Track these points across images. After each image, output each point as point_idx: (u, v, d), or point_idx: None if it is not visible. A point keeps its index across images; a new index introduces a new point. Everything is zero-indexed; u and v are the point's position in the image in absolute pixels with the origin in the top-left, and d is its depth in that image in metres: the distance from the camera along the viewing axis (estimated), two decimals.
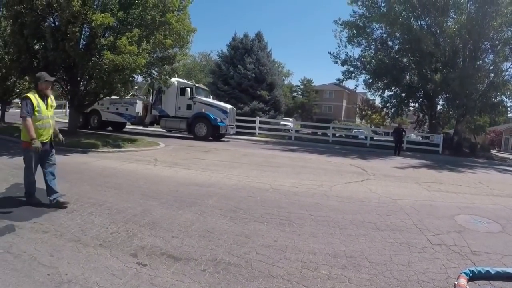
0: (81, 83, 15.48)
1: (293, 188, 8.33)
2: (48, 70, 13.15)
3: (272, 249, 4.55)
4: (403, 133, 24.14)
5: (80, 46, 13.91)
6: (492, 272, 4.18)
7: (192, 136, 20.82)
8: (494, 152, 35.92)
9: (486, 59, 28.08)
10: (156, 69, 16.35)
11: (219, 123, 20.45)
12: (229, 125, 21.53)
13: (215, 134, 21.16)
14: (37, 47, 14.10)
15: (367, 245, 4.94)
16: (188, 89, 21.00)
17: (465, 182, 12.02)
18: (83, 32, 14.07)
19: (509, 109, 30.87)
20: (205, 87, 24.57)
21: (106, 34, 14.21)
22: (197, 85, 22.49)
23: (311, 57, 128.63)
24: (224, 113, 21.07)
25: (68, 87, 15.61)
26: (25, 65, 13.74)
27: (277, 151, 17.71)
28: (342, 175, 11.13)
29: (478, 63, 27.03)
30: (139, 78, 18.31)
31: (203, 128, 20.47)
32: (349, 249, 4.73)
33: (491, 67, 27.15)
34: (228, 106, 22.15)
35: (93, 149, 12.18)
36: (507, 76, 27.36)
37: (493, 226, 6.57)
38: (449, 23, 27.38)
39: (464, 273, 4.07)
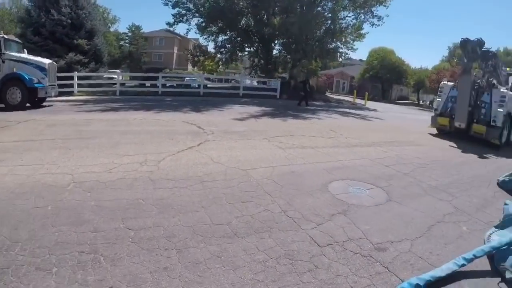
0: None
1: (104, 175, 5.78)
2: None
3: None
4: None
5: None
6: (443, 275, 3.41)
7: (3, 106, 15.66)
8: (328, 94, 39.39)
9: (325, 7, 30.04)
10: None
11: (36, 85, 15.76)
12: (50, 85, 16.87)
13: (33, 99, 16.34)
14: None
15: (228, 280, 3.06)
16: None
17: (317, 132, 11.47)
18: None
19: (343, 54, 34.37)
20: (17, 39, 18.84)
21: None
22: (6, 36, 16.82)
23: (140, 0, 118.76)
24: (41, 70, 16.16)
25: None
26: None
27: (95, 113, 14.23)
28: (174, 139, 8.99)
29: (317, 9, 28.89)
30: None
31: (16, 94, 15.47)
32: None
33: (329, 15, 29.15)
34: (47, 61, 17.27)
35: None
36: (343, 24, 30.19)
37: (376, 193, 5.68)
38: None
39: None
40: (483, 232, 4.51)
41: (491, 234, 4.30)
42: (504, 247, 3.73)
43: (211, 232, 3.92)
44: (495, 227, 4.48)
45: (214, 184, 5.45)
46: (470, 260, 3.62)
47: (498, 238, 4.00)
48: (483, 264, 3.76)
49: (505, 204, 5.05)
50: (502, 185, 6.86)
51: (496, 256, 3.76)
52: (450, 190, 6.30)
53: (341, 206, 4.86)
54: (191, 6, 30.91)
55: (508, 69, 13.95)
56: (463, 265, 3.58)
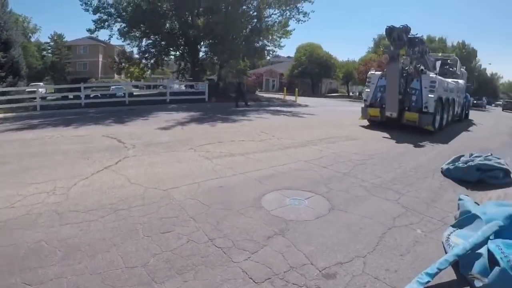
0: None
1: (6, 212, 4.63)
2: None
3: None
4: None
5: None
6: None
7: None
8: (258, 93, 39.62)
9: (250, 5, 29.95)
10: None
11: None
12: None
13: None
14: None
15: None
16: None
17: (247, 135, 10.84)
18: None
19: (271, 52, 34.17)
20: None
21: None
22: None
23: (61, 7, 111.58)
24: None
25: None
26: None
27: (9, 134, 12.36)
28: (90, 158, 7.89)
29: (243, 8, 28.75)
30: None
31: None
32: None
33: (255, 13, 29.32)
34: None
35: None
36: (269, 22, 30.47)
37: (316, 201, 5.09)
38: None
39: None
40: (439, 233, 4.11)
41: (449, 235, 3.85)
42: (468, 252, 3.27)
43: (123, 279, 3.10)
44: (452, 226, 4.04)
45: (129, 212, 4.57)
46: (434, 275, 3.19)
47: (460, 241, 3.54)
48: (448, 274, 3.31)
49: (460, 199, 4.67)
50: (447, 173, 6.63)
51: (461, 263, 3.32)
52: (395, 187, 5.94)
53: (277, 225, 4.20)
54: (112, 11, 29.47)
55: (439, 54, 14.15)
56: (427, 282, 3.13)
